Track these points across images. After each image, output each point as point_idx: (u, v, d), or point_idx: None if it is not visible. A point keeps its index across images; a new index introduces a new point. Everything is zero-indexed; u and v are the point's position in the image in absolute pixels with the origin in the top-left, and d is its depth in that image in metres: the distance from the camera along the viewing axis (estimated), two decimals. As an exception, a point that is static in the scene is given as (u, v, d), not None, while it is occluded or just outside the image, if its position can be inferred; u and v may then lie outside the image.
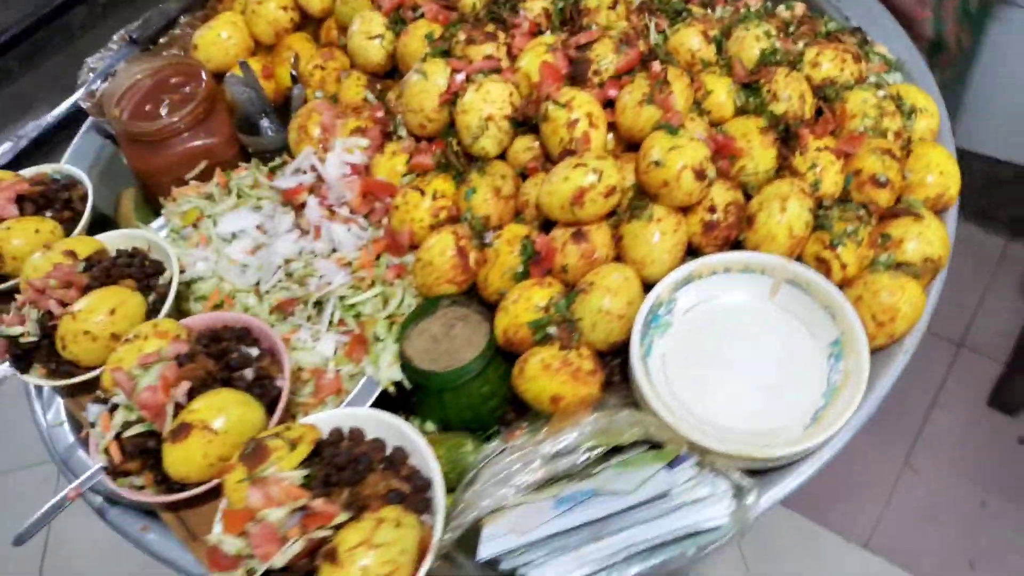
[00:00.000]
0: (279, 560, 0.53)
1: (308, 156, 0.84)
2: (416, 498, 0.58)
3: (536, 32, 0.79)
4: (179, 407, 0.63)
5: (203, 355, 0.67)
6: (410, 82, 0.78)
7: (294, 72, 0.90)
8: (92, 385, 0.73)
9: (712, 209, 0.69)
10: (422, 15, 0.83)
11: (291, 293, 0.78)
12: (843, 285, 0.66)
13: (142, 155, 0.88)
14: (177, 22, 1.00)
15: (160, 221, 0.91)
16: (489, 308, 0.73)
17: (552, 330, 0.67)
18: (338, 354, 0.74)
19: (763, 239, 0.67)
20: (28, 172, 0.90)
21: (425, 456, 0.60)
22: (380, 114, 0.83)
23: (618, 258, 0.71)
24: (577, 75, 0.74)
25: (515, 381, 0.68)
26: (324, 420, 0.64)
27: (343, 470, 0.58)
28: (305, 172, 0.84)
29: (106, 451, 0.64)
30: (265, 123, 0.95)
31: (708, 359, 0.66)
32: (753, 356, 0.65)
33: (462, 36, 0.78)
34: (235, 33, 0.94)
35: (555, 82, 0.73)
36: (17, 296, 0.76)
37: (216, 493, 0.64)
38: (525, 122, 0.76)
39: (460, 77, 0.76)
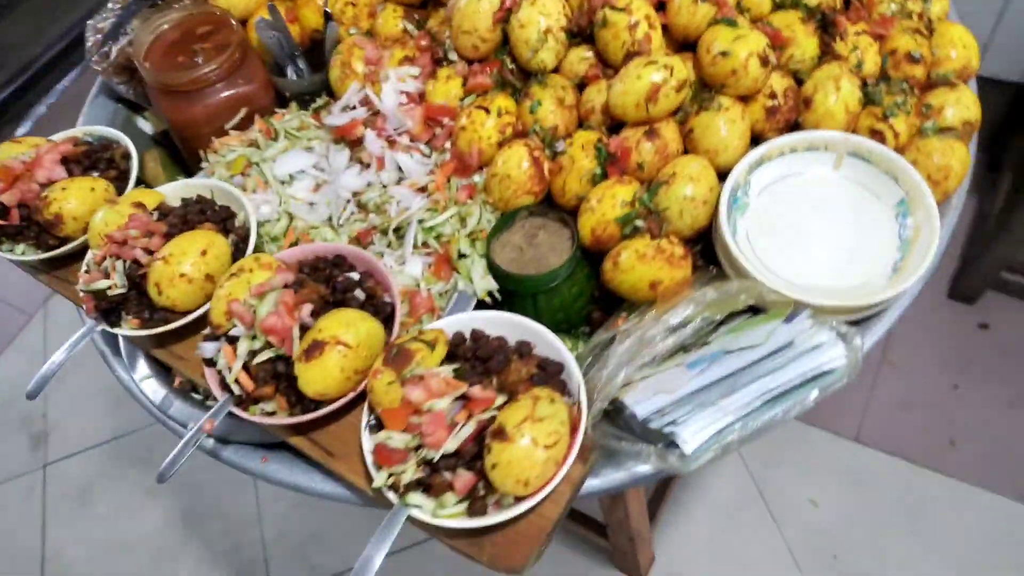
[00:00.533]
0: (451, 444, 0.56)
1: (356, 91, 0.85)
2: (554, 381, 0.62)
3: None
4: (304, 329, 0.64)
5: (311, 281, 0.68)
6: (460, 4, 0.79)
7: (328, 10, 0.90)
8: (182, 332, 0.74)
9: (773, 95, 0.74)
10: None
11: (367, 223, 0.79)
12: (897, 152, 0.72)
13: (180, 107, 0.87)
14: (183, -25, 0.98)
15: (201, 174, 0.90)
16: (566, 213, 0.76)
17: (639, 223, 0.71)
18: (425, 274, 0.77)
19: (822, 117, 0.73)
20: (58, 137, 0.88)
21: (551, 342, 0.64)
22: (424, 42, 0.84)
23: (686, 151, 0.75)
24: (628, -15, 0.77)
25: (608, 276, 0.72)
26: (445, 325, 0.66)
27: (487, 361, 0.61)
28: (354, 107, 0.85)
29: (236, 381, 0.65)
30: (294, 66, 0.95)
31: (788, 231, 0.71)
32: (828, 223, 0.71)
33: (508, -46, 0.80)
34: (252, -19, 0.93)
35: (607, -8, 0.77)
36: (92, 253, 0.75)
37: (346, 410, 0.66)
38: (579, 34, 0.79)
39: (508, -4, 0.78)
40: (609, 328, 0.71)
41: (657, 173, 0.74)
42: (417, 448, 0.58)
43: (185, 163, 0.98)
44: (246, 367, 0.65)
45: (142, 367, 0.81)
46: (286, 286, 0.67)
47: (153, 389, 0.79)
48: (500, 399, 0.58)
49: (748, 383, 0.60)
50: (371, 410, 0.63)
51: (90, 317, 0.74)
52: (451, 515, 0.57)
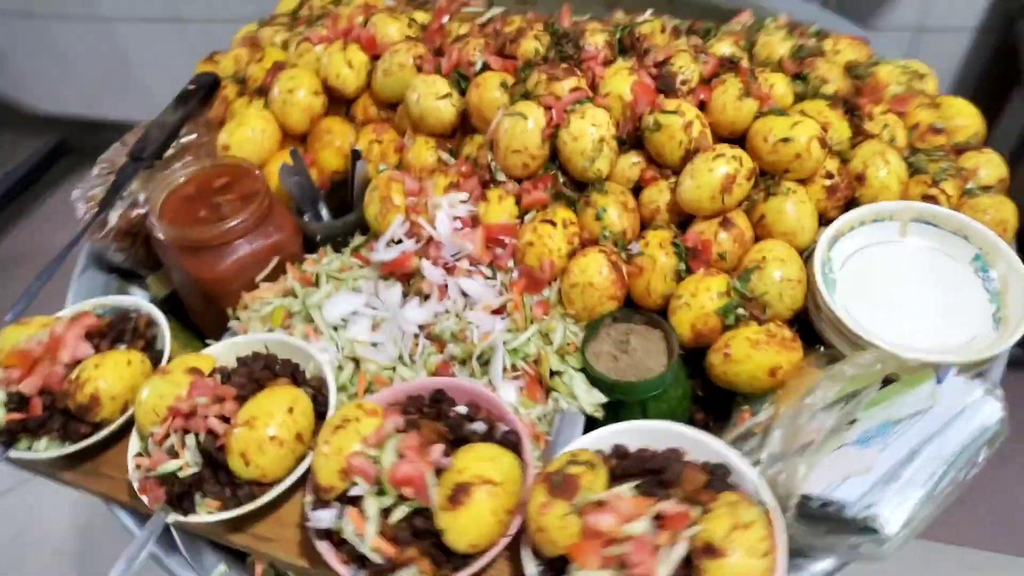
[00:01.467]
0: (664, 571, 0.50)
1: (400, 224, 0.81)
2: (723, 483, 0.57)
3: (607, 61, 0.84)
4: (438, 473, 0.57)
5: (424, 419, 0.62)
6: (505, 127, 0.79)
7: (357, 148, 0.87)
8: (270, 508, 0.64)
9: (830, 175, 0.76)
10: (484, 68, 0.85)
11: (444, 355, 0.74)
12: (953, 213, 0.76)
13: (207, 263, 0.80)
14: (179, 132, 0.93)
15: (229, 334, 0.82)
16: (653, 314, 0.74)
17: (741, 311, 0.70)
18: (520, 399, 0.71)
19: (879, 191, 0.76)
20: (66, 312, 0.78)
21: (706, 443, 0.60)
22: (466, 168, 0.83)
23: (758, 238, 0.76)
24: (666, 88, 0.79)
25: (719, 370, 0.70)
26: (588, 444, 0.61)
27: (661, 472, 0.56)
28: (399, 241, 0.81)
29: (375, 550, 0.55)
30: (313, 210, 0.91)
31: (880, 300, 0.71)
32: (914, 288, 0.72)
33: (542, 76, 0.81)
34: (267, 127, 0.90)
35: (650, 97, 0.79)
36: (152, 431, 0.65)
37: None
38: (625, 141, 0.81)
39: (554, 113, 0.79)
40: (737, 425, 0.68)
41: (738, 262, 0.74)
42: (616, 582, 0.51)
43: (196, 328, 0.89)
44: (381, 531, 0.56)
45: (212, 561, 0.69)
46: (400, 430, 0.60)
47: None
48: (697, 510, 0.53)
49: (922, 449, 0.58)
50: (536, 556, 0.55)
51: (158, 509, 0.62)
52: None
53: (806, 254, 0.74)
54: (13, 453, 0.69)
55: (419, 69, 0.88)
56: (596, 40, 0.85)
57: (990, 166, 0.79)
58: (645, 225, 0.79)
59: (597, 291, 0.73)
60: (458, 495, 0.55)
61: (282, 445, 0.62)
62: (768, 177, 0.76)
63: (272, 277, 0.84)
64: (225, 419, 0.63)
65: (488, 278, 0.78)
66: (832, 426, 0.60)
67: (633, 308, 0.76)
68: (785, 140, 0.73)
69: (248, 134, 0.89)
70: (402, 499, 0.57)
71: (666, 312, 0.74)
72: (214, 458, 0.62)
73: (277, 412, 0.63)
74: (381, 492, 0.57)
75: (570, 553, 0.52)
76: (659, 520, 0.52)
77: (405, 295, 0.79)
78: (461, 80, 0.86)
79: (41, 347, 0.71)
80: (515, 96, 0.82)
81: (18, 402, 0.69)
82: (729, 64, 0.81)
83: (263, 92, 0.95)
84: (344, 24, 0.95)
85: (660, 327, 0.74)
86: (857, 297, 0.72)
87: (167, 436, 0.64)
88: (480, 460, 0.57)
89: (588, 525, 0.52)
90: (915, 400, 0.60)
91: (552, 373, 0.73)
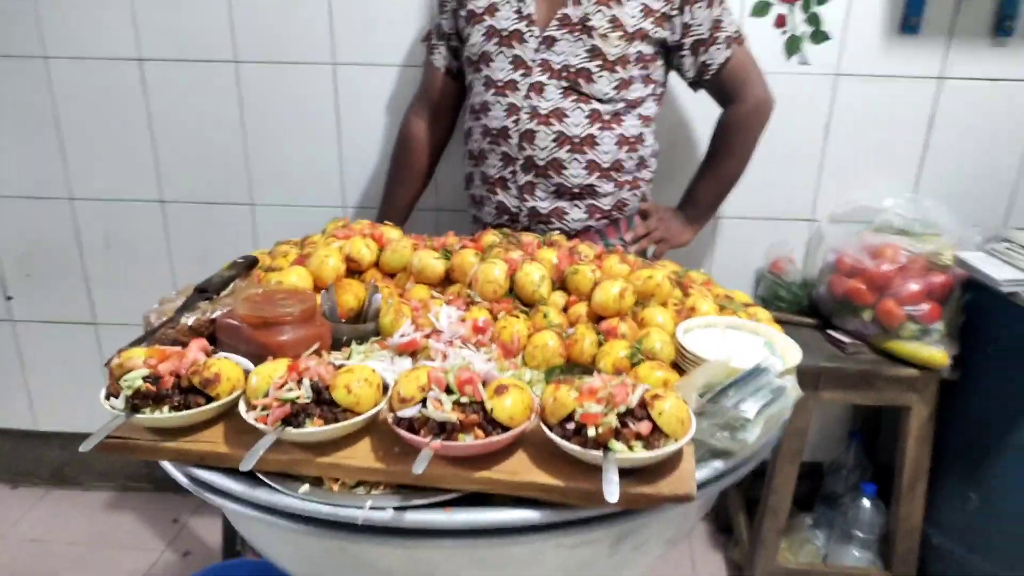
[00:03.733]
0: (633, 399, 0.85)
1: (409, 326, 1.20)
2: (653, 402, 0.95)
3: (538, 247, 1.36)
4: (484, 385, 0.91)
5: (465, 374, 0.95)
6: (482, 269, 1.26)
7: (375, 283, 1.28)
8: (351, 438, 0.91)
9: (676, 303, 1.27)
10: (461, 247, 1.34)
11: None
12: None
13: (271, 334, 1.12)
14: (231, 282, 1.30)
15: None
16: (584, 366, 1.14)
17: (640, 357, 1.13)
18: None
19: (705, 314, 1.27)
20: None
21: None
22: (451, 298, 1.26)
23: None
24: (574, 259, 1.32)
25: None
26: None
27: (619, 380, 0.93)
28: (407, 335, 1.19)
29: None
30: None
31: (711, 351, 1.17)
32: (730, 351, 1.19)
33: (500, 250, 1.31)
34: (303, 279, 1.29)
35: (568, 261, 1.30)
36: (275, 380, 0.92)
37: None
38: (554, 285, 1.29)
39: (510, 263, 1.28)
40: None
41: (631, 338, 1.19)
42: (607, 412, 0.84)
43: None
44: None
45: (295, 486, 0.89)
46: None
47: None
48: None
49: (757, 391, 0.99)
50: (548, 426, 0.88)
51: (278, 425, 0.87)
52: (638, 453, 0.82)
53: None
54: (138, 416, 0.91)
55: (415, 249, 1.36)
56: (530, 238, 1.39)
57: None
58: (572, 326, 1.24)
59: (551, 350, 1.14)
60: (500, 390, 0.89)
61: (371, 386, 0.92)
62: (642, 302, 1.26)
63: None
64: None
65: (476, 351, 1.16)
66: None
67: (572, 365, 1.16)
68: (650, 277, 1.25)
69: (294, 279, 1.28)
70: (461, 394, 0.88)
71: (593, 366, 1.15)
72: (321, 393, 0.91)
73: (366, 369, 0.94)
74: (448, 392, 0.89)
75: (581, 394, 0.86)
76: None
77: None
78: (447, 253, 1.34)
79: (173, 351, 0.98)
80: (487, 257, 1.30)
81: (153, 379, 0.93)
82: (608, 250, 1.36)
83: (291, 271, 1.36)
84: (349, 231, 1.43)
85: (590, 373, 1.13)
86: (700, 350, 1.17)
87: (283, 383, 0.91)
88: (507, 378, 0.92)
89: (585, 388, 0.87)
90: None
91: (525, 396, 1.08)
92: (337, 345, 1.21)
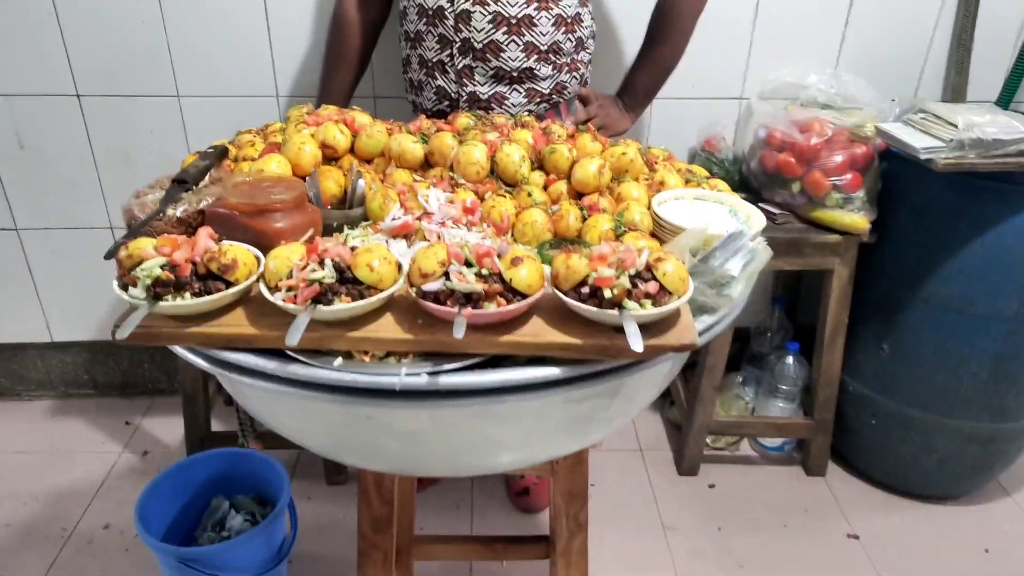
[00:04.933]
0: (641, 262, 0.93)
1: (398, 210, 1.23)
2: (649, 266, 1.03)
3: (512, 129, 1.40)
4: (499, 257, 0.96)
5: (476, 249, 1.01)
6: (464, 150, 1.29)
7: (359, 170, 1.29)
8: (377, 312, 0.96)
9: (646, 178, 1.35)
10: (437, 131, 1.36)
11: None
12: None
13: (267, 223, 1.13)
14: (208, 171, 1.28)
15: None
16: (572, 239, 1.21)
17: (623, 228, 1.21)
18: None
19: (672, 187, 1.36)
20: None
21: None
22: (434, 180, 1.29)
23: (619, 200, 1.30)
24: (548, 138, 1.36)
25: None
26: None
27: (620, 247, 1.01)
28: (398, 218, 1.22)
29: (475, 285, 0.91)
30: (322, 218, 1.28)
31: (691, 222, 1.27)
32: (700, 218, 1.29)
33: (476, 131, 1.34)
34: (283, 166, 1.29)
35: (543, 141, 1.35)
36: (280, 279, 0.95)
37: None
38: (534, 163, 1.34)
39: (489, 144, 1.31)
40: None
41: (612, 212, 1.26)
42: (618, 275, 0.92)
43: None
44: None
45: (327, 359, 0.94)
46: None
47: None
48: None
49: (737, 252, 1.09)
50: (561, 291, 0.95)
51: (308, 304, 0.91)
52: (648, 310, 0.92)
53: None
54: (161, 304, 0.93)
55: (390, 134, 1.36)
56: (501, 120, 1.42)
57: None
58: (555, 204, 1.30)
59: (540, 226, 1.20)
60: (515, 261, 0.95)
61: (390, 264, 0.96)
62: (617, 178, 1.33)
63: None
64: (352, 248, 0.96)
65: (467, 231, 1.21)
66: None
67: (559, 240, 1.23)
68: (624, 153, 1.32)
69: (273, 167, 1.27)
70: (480, 267, 0.94)
71: (579, 239, 1.22)
72: (344, 272, 0.94)
73: (381, 249, 0.98)
74: (470, 264, 0.94)
75: (592, 262, 0.93)
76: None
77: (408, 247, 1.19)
78: (424, 138, 1.35)
79: (183, 240, 0.98)
80: (465, 139, 1.33)
81: (170, 268, 0.94)
82: (580, 127, 1.41)
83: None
84: (319, 117, 1.42)
85: (578, 243, 1.21)
86: (677, 220, 1.26)
87: (306, 266, 0.94)
88: (520, 250, 0.98)
89: (595, 255, 0.95)
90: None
91: (522, 269, 1.15)
92: (327, 231, 1.23)
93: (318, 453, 1.17)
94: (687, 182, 1.39)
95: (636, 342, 0.86)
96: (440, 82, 1.74)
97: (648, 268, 0.94)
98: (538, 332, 0.94)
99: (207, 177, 1.28)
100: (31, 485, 2.42)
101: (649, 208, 1.27)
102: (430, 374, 0.92)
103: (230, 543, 1.87)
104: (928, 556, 2.22)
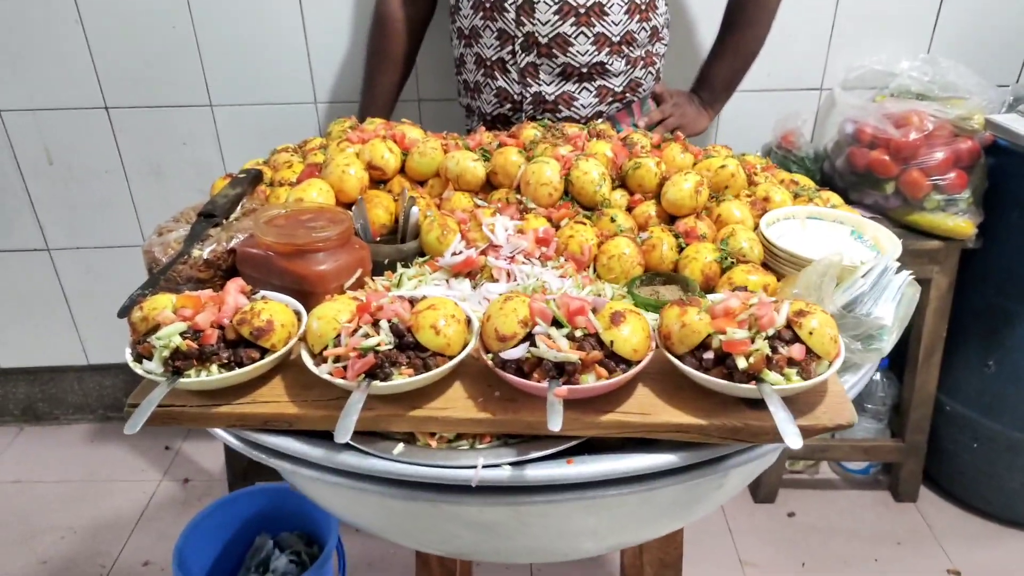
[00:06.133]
0: (780, 319, 0.73)
1: (459, 241, 1.04)
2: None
3: (587, 140, 1.20)
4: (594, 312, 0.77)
5: (563, 300, 0.82)
6: (532, 170, 1.09)
7: (412, 195, 1.11)
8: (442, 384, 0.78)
9: (748, 195, 1.14)
10: (499, 145, 1.17)
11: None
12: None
13: (309, 265, 0.95)
14: (240, 201, 1.11)
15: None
16: (666, 274, 1.02)
17: (730, 260, 1.01)
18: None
19: (778, 205, 1.15)
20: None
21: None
22: (499, 205, 1.10)
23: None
24: (631, 150, 1.16)
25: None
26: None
27: (744, 294, 0.81)
28: (460, 253, 1.03)
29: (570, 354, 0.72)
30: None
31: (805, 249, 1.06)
32: (819, 245, 1.08)
33: (547, 145, 1.14)
34: (327, 194, 1.11)
35: (624, 154, 1.15)
36: (326, 344, 0.77)
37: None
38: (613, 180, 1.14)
39: (562, 160, 1.12)
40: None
41: (712, 239, 1.06)
42: (753, 337, 0.73)
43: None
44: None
45: (387, 446, 0.77)
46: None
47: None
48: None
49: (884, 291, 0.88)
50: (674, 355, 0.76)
51: (360, 380, 0.73)
52: (794, 382, 0.72)
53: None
54: (183, 381, 0.76)
55: (445, 151, 1.18)
56: (573, 130, 1.22)
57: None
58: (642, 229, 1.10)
59: (628, 259, 1.00)
60: (616, 318, 0.76)
61: (459, 323, 0.78)
62: (715, 196, 1.12)
63: (356, 287, 1.00)
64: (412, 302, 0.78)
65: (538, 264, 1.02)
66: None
67: (652, 275, 1.03)
68: (723, 167, 1.11)
69: (313, 196, 1.10)
70: (572, 328, 0.75)
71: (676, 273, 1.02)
72: (403, 337, 0.76)
73: (447, 303, 0.79)
74: (557, 326, 0.75)
75: (716, 318, 0.74)
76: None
77: (473, 288, 1.00)
78: (485, 153, 1.16)
79: (207, 297, 0.81)
80: (530, 158, 1.14)
81: (192, 334, 0.77)
82: (667, 136, 1.21)
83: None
84: (365, 133, 1.24)
85: (675, 281, 1.01)
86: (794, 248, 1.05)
87: (356, 330, 0.77)
88: (619, 303, 0.78)
89: (719, 310, 0.75)
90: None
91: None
92: (378, 269, 1.05)
93: (374, 535, 1.00)
94: (796, 197, 1.18)
95: (791, 432, 0.66)
96: (501, 83, 1.54)
97: (788, 325, 0.74)
98: (647, 409, 0.75)
99: (239, 207, 1.11)
100: (69, 517, 2.31)
101: (755, 231, 1.06)
102: (513, 465, 0.73)
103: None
104: (1043, 596, 1.99)
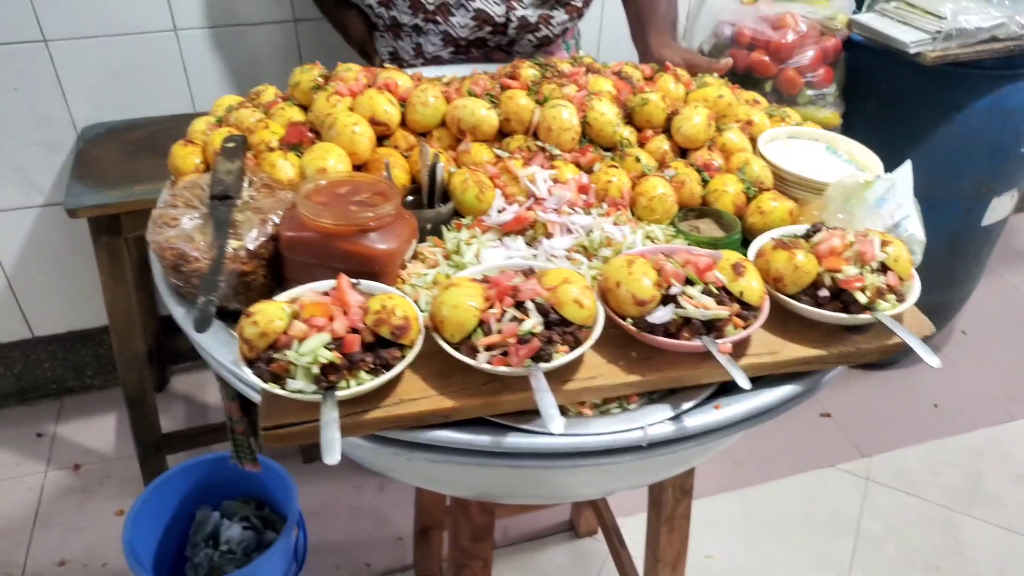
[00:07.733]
0: (881, 253, 0.82)
1: (500, 197, 1.02)
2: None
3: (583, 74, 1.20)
4: (715, 265, 0.82)
5: (669, 255, 0.85)
6: (552, 115, 1.08)
7: (436, 152, 1.05)
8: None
9: (749, 122, 1.22)
10: (505, 87, 1.13)
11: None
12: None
13: (371, 245, 0.89)
14: (243, 175, 0.99)
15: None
16: (699, 208, 1.07)
17: (753, 189, 1.08)
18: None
19: (763, 128, 1.23)
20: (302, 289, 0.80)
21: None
22: (524, 154, 1.08)
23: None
24: (628, 84, 1.18)
25: (760, 223, 1.05)
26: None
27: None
28: (504, 209, 1.02)
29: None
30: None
31: (799, 166, 1.16)
32: (807, 160, 1.19)
33: (553, 86, 1.13)
34: (341, 158, 1.02)
35: (626, 89, 1.16)
36: (469, 329, 0.75)
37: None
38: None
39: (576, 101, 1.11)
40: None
41: (727, 167, 1.12)
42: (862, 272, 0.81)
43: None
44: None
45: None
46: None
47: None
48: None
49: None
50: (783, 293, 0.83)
51: (527, 364, 0.73)
52: (896, 306, 0.82)
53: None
54: (340, 394, 0.71)
55: (447, 100, 1.12)
56: (566, 67, 1.21)
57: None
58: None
59: (668, 199, 1.05)
60: (738, 268, 0.81)
61: (591, 292, 0.79)
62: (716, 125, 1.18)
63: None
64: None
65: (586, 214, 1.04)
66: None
67: (686, 211, 1.08)
68: (720, 96, 1.17)
69: (330, 163, 1.01)
70: (705, 284, 0.80)
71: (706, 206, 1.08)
72: (548, 315, 0.76)
73: (575, 274, 0.80)
74: (690, 284, 0.79)
75: (828, 268, 0.81)
76: (851, 239, 0.86)
77: (528, 244, 1.00)
78: (492, 99, 1.12)
79: (330, 298, 0.75)
80: (540, 101, 1.12)
81: (334, 344, 0.72)
82: (658, 71, 1.23)
83: (291, 146, 1.07)
84: (353, 83, 1.14)
85: (707, 215, 1.07)
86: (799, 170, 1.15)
87: (503, 314, 0.75)
88: (734, 254, 0.83)
89: (824, 249, 0.82)
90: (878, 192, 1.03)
91: (667, 254, 1.01)
92: (419, 236, 1.01)
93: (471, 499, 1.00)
94: (771, 117, 1.26)
95: (924, 350, 0.77)
96: (479, 4, 1.46)
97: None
98: (773, 348, 0.82)
99: (247, 182, 0.99)
100: (-52, 533, 2.03)
101: (759, 157, 1.14)
102: (673, 419, 0.78)
103: (257, 564, 1.67)
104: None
